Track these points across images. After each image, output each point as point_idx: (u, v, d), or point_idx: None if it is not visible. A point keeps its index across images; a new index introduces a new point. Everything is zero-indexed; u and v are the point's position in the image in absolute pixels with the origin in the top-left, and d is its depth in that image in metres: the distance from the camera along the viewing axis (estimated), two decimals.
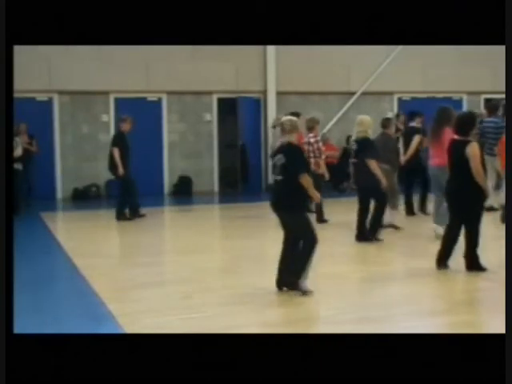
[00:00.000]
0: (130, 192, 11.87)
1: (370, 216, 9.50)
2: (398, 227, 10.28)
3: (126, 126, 12.05)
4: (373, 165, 9.25)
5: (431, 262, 7.63)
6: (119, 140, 11.96)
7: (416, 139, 11.50)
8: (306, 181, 6.58)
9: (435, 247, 7.78)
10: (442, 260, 7.59)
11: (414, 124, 11.92)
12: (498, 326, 5.17)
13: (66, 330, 5.50)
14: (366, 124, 9.43)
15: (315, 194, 6.74)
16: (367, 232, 9.42)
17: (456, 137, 7.55)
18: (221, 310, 6.23)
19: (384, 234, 9.62)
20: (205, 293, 6.86)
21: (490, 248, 8.38)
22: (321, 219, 10.89)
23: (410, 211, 11.81)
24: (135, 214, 11.87)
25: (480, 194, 7.41)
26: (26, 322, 5.59)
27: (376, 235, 9.42)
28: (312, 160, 10.68)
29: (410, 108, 13.83)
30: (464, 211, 7.48)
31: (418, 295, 6.84)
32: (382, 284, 7.30)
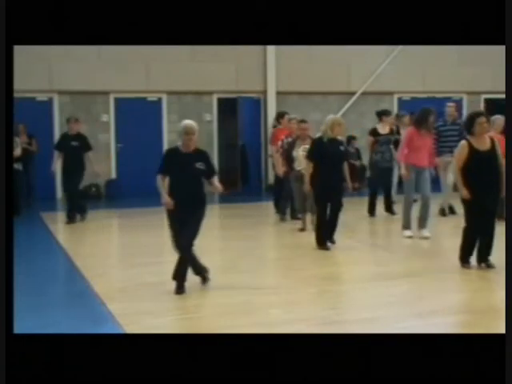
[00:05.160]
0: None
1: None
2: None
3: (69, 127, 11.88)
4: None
5: (426, 261, 7.61)
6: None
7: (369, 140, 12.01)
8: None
9: (428, 246, 7.75)
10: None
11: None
12: (497, 326, 5.18)
13: (66, 330, 5.50)
14: (326, 123, 9.01)
15: None
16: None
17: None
18: (220, 310, 6.23)
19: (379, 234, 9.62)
20: (204, 293, 6.86)
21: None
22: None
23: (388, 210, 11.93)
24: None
25: None
26: (26, 322, 5.59)
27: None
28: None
29: (411, 108, 13.85)
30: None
31: (414, 295, 6.83)
32: (377, 284, 7.31)
